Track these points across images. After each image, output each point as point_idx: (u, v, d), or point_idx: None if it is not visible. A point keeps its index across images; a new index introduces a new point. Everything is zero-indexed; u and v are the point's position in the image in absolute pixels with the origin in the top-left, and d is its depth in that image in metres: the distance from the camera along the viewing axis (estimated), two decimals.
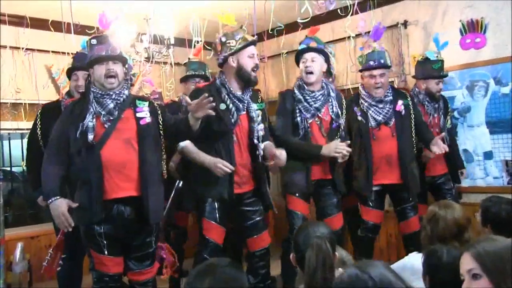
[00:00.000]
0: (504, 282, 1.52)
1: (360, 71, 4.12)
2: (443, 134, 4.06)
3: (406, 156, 3.97)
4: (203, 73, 4.44)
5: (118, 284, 2.99)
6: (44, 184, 2.94)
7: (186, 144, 3.27)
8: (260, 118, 3.40)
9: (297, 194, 3.75)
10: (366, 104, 4.02)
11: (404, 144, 3.97)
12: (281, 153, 3.26)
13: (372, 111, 4.00)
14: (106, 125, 2.91)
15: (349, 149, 3.65)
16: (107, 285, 2.93)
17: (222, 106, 3.25)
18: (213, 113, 2.96)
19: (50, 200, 2.87)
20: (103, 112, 2.92)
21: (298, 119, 3.71)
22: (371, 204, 4.07)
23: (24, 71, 4.90)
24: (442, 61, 4.24)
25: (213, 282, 1.60)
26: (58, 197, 2.87)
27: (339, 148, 3.59)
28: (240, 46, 3.28)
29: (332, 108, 3.80)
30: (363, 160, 3.99)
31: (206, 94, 2.92)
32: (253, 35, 4.43)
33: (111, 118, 2.93)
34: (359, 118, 4.01)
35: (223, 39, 3.31)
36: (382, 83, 3.98)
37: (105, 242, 2.89)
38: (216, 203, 3.31)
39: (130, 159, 2.94)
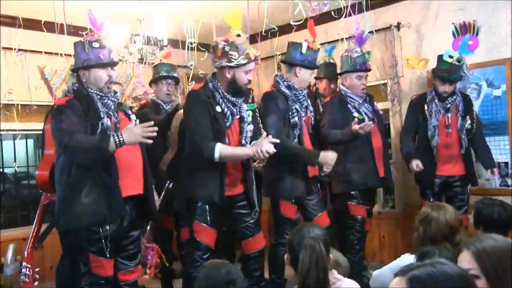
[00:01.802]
0: (502, 286, 1.48)
1: (346, 72, 4.27)
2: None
3: (387, 151, 4.46)
4: (175, 75, 4.46)
5: (110, 286, 2.99)
6: (88, 141, 2.77)
7: (220, 149, 3.12)
8: (250, 118, 3.37)
9: (293, 201, 3.77)
10: (356, 103, 4.21)
11: (385, 140, 4.39)
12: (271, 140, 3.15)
13: (363, 110, 4.22)
14: (117, 125, 2.98)
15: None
16: None
17: (218, 109, 3.24)
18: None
19: (116, 138, 2.74)
20: (110, 113, 2.99)
21: (296, 118, 3.71)
22: (361, 201, 4.21)
23: (16, 72, 4.87)
24: (451, 64, 4.11)
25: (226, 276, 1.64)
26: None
27: (333, 162, 3.63)
28: (241, 63, 3.22)
29: (309, 106, 3.92)
30: (368, 154, 4.19)
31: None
32: (246, 37, 4.44)
33: (118, 119, 3.02)
34: (356, 114, 4.14)
35: (226, 48, 3.20)
36: (365, 85, 4.30)
37: (109, 244, 2.90)
38: (207, 206, 3.29)
39: (136, 158, 3.05)
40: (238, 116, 3.32)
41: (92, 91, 2.98)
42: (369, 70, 4.36)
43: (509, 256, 1.53)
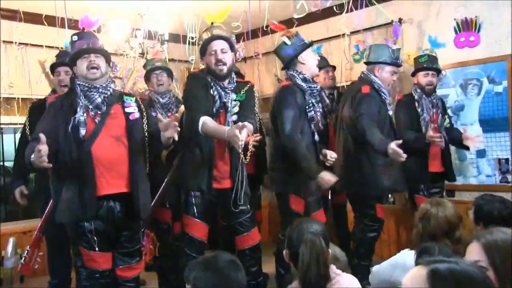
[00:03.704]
0: (509, 279, 1.47)
1: (385, 63, 4.04)
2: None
3: None
4: (160, 64, 4.44)
5: (108, 280, 2.97)
6: (27, 153, 2.72)
7: (204, 121, 3.10)
8: (236, 109, 3.32)
9: (302, 195, 3.71)
10: (388, 100, 4.07)
11: None
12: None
13: (391, 107, 4.12)
14: (96, 120, 2.89)
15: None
16: (97, 282, 2.92)
17: (211, 91, 3.29)
18: (176, 139, 2.86)
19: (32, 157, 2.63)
20: (90, 106, 2.90)
21: (313, 112, 3.65)
22: (384, 202, 4.18)
23: (17, 66, 4.87)
24: (429, 55, 4.33)
25: (214, 277, 1.64)
26: None
27: (332, 179, 3.53)
28: (201, 49, 3.36)
29: (323, 101, 3.85)
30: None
31: (178, 115, 2.89)
32: (247, 32, 4.44)
33: (99, 112, 2.91)
34: (390, 113, 4.05)
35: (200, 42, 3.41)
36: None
37: (95, 238, 2.88)
38: (193, 199, 3.30)
39: (121, 155, 2.94)
40: (226, 100, 3.30)
41: (79, 83, 2.94)
42: (401, 65, 4.27)
43: None
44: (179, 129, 2.83)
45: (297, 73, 3.70)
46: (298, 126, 3.58)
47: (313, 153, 3.66)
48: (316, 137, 3.69)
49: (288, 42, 3.72)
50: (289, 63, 3.76)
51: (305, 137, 3.63)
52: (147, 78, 4.42)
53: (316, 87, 3.74)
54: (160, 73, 4.33)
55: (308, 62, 3.72)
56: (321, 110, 3.83)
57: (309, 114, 3.65)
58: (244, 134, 2.87)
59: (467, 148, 4.28)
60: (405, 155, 3.44)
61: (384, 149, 3.52)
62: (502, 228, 1.67)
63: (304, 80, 3.68)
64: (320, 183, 3.54)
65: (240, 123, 2.89)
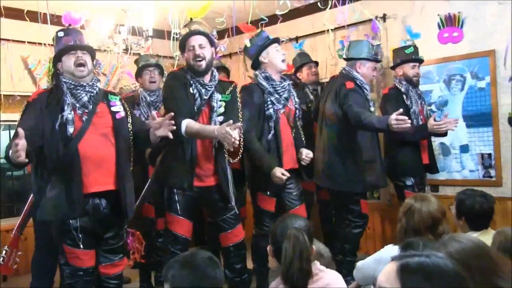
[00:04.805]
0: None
1: (366, 59, 4.04)
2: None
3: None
4: (155, 62, 4.42)
5: (92, 278, 2.95)
6: (7, 149, 2.61)
7: (187, 124, 3.11)
8: (222, 109, 3.34)
9: (269, 193, 3.71)
10: (369, 96, 4.07)
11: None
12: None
13: (373, 103, 4.13)
14: (83, 118, 2.88)
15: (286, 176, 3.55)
16: (81, 279, 2.89)
17: (190, 90, 3.28)
18: (171, 137, 2.86)
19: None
20: (77, 105, 2.88)
21: (271, 110, 3.65)
22: (367, 197, 4.16)
23: None
24: (414, 46, 4.33)
25: (191, 275, 1.64)
26: None
27: (283, 176, 3.49)
28: (180, 45, 3.37)
29: (294, 98, 3.84)
30: (377, 152, 4.07)
31: (172, 114, 2.85)
32: (232, 28, 4.43)
33: (86, 111, 2.89)
34: (372, 109, 4.04)
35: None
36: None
37: (80, 236, 2.86)
38: (176, 196, 3.30)
39: (108, 153, 2.93)
40: (206, 97, 3.30)
41: (65, 80, 2.92)
42: (381, 61, 4.29)
43: (472, 256, 1.55)
44: (174, 127, 2.82)
45: (260, 72, 3.73)
46: (254, 125, 3.60)
47: (273, 151, 3.65)
48: (270, 136, 3.66)
49: (249, 44, 3.74)
50: (254, 63, 3.80)
51: (263, 135, 3.65)
52: (139, 75, 4.39)
53: (281, 84, 3.72)
54: (153, 70, 4.30)
55: (270, 60, 3.72)
56: (296, 106, 3.84)
57: (266, 112, 3.65)
58: (237, 134, 2.90)
59: (445, 134, 4.26)
60: (409, 121, 3.43)
61: (386, 124, 3.47)
62: (458, 235, 1.68)
63: (266, 78, 3.70)
64: (273, 180, 3.52)
65: (231, 122, 2.92)
